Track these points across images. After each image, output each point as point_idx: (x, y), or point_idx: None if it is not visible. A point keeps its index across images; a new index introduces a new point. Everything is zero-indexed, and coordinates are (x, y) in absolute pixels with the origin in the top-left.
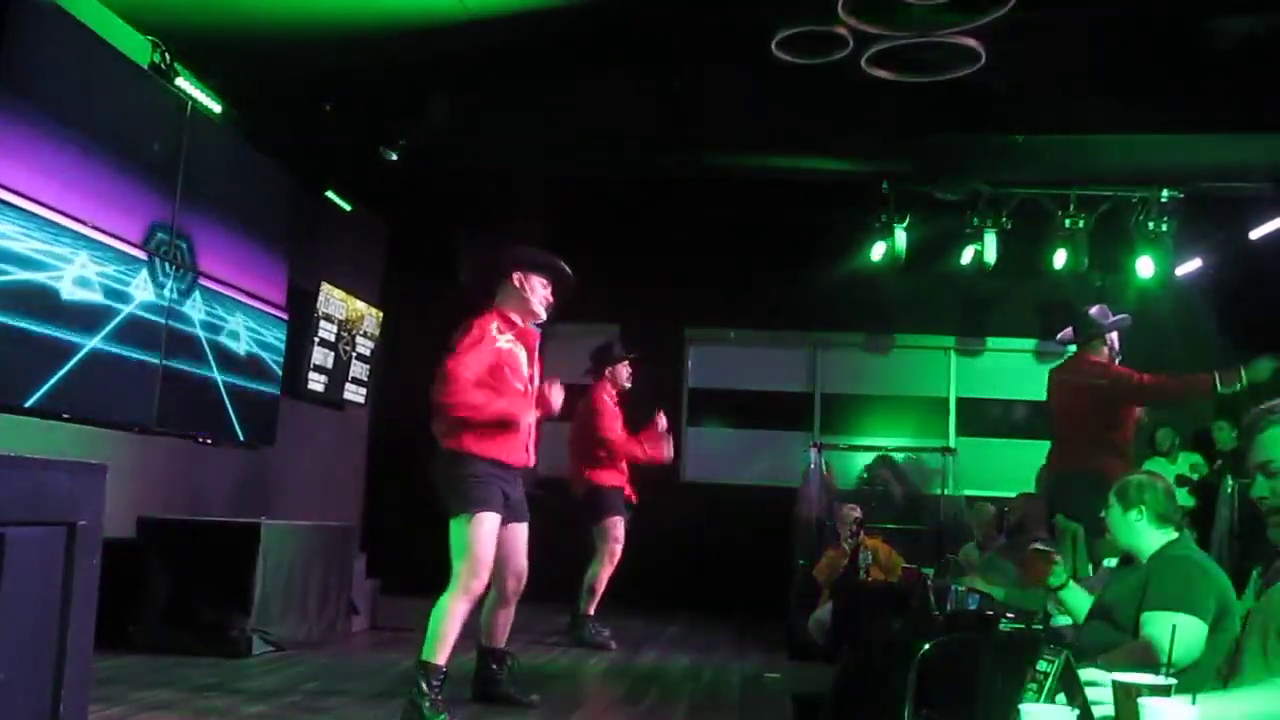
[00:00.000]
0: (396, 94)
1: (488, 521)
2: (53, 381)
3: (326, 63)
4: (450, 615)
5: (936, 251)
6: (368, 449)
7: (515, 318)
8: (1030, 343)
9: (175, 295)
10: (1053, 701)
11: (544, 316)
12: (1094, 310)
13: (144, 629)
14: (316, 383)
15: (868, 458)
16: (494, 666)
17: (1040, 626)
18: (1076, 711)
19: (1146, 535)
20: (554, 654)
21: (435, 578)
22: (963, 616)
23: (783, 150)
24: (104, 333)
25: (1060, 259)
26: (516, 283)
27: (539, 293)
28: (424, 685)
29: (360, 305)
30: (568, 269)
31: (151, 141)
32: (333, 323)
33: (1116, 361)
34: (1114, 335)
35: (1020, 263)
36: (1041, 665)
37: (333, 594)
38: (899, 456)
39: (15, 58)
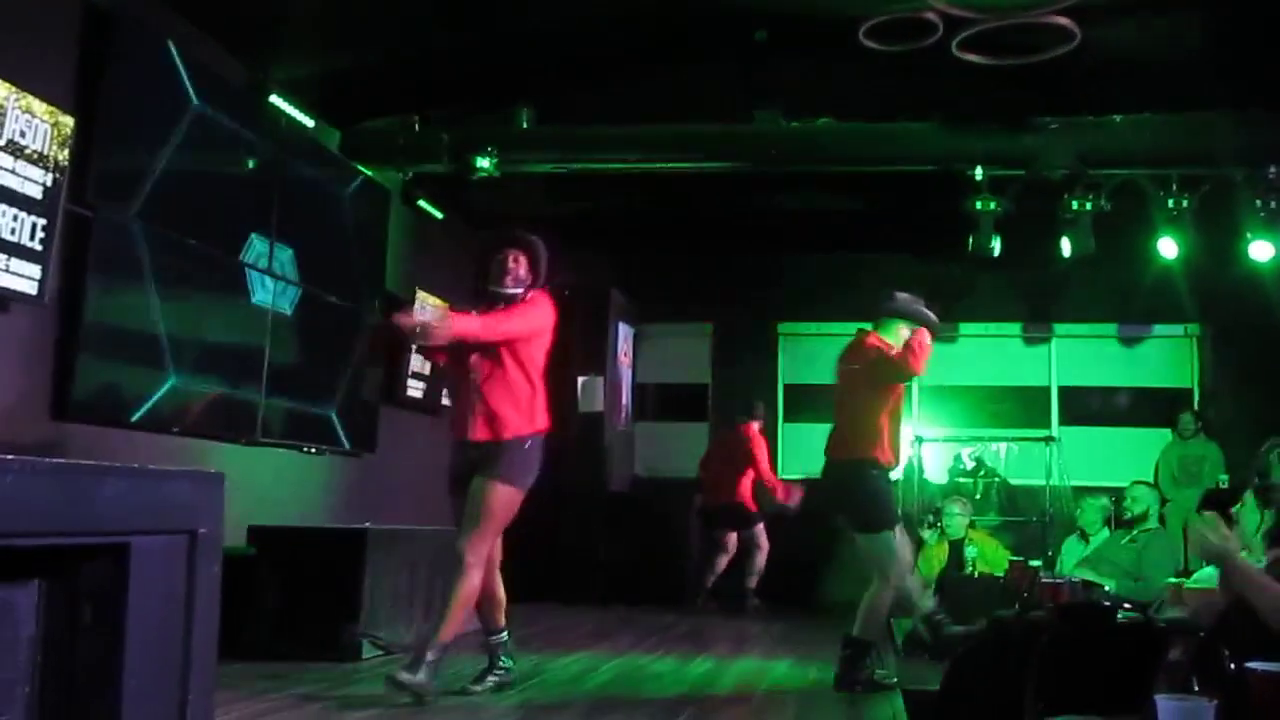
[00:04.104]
0: (484, 103)
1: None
2: (159, 395)
3: (416, 74)
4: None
5: (1034, 237)
6: None
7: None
8: (1134, 328)
9: (276, 307)
10: (1187, 691)
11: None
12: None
13: (255, 636)
14: (415, 389)
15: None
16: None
17: (1161, 616)
18: (1214, 702)
19: None
20: (658, 654)
21: (530, 578)
22: (1077, 609)
23: (873, 140)
24: (208, 345)
25: (1163, 242)
26: (899, 331)
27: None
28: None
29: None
30: (936, 321)
31: (248, 158)
32: None
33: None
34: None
35: (1122, 246)
36: (1172, 655)
37: (438, 597)
38: (990, 449)
39: (115, 85)
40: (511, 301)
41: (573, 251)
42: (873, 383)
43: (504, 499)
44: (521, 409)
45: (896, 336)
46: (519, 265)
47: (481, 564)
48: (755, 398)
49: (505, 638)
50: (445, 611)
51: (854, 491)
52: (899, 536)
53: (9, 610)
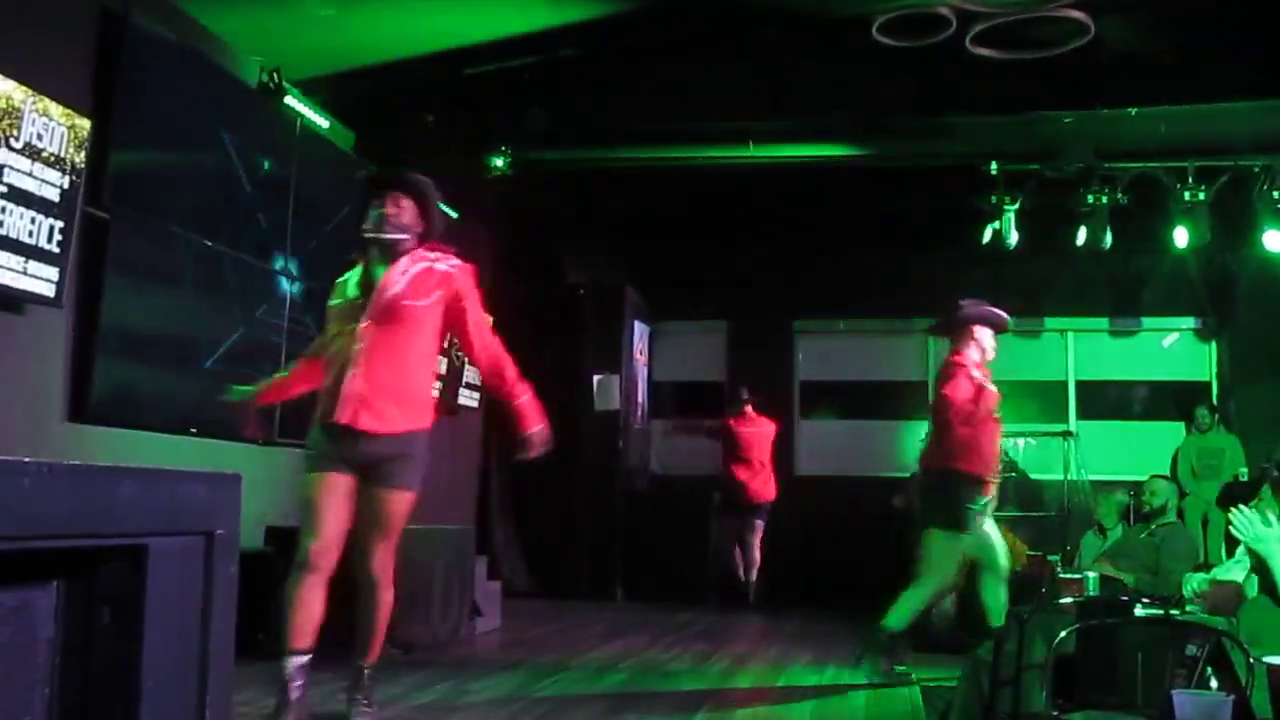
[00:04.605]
0: (497, 102)
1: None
2: (176, 396)
3: (429, 75)
4: None
5: (1049, 232)
6: (482, 453)
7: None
8: (1150, 321)
9: (292, 308)
10: (1204, 686)
11: (992, 356)
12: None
13: (273, 636)
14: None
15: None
16: None
17: (1178, 611)
18: (1231, 697)
19: None
20: (675, 652)
21: (548, 576)
22: (1096, 603)
23: (888, 136)
24: (224, 347)
25: (1180, 235)
26: (975, 334)
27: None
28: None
29: None
30: (1006, 319)
31: (263, 159)
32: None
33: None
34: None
35: (1138, 240)
36: (1189, 650)
37: (455, 597)
38: (1009, 443)
39: (131, 87)
40: (395, 248)
41: (588, 250)
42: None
43: (409, 508)
44: (418, 397)
45: (974, 342)
46: (401, 210)
47: (390, 576)
48: (771, 395)
49: (306, 662)
50: (369, 638)
51: (932, 493)
52: (957, 547)
53: (28, 612)
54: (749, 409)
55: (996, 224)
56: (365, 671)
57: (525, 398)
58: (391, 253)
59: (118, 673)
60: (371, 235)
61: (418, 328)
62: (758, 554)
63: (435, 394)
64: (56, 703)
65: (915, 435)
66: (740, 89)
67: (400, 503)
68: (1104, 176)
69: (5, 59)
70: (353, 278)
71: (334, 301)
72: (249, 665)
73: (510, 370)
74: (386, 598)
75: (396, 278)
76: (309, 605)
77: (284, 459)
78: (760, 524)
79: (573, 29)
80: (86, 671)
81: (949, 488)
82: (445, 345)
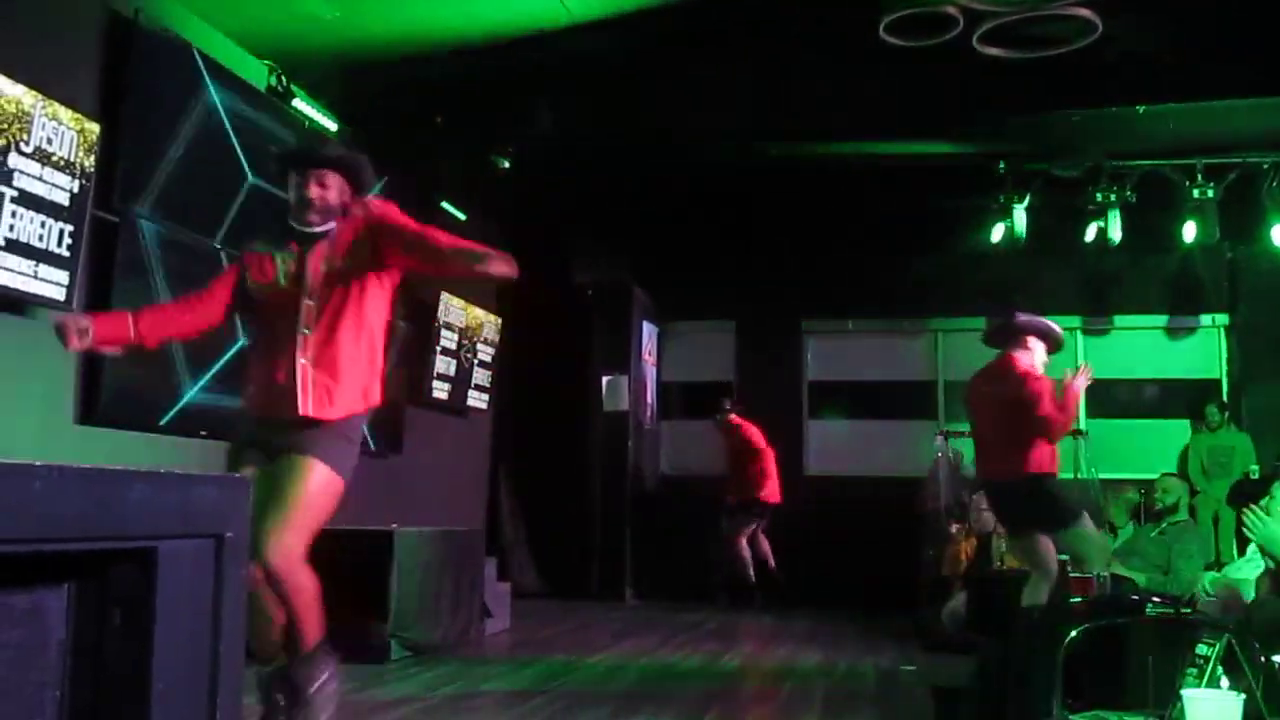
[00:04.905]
0: (504, 102)
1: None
2: (185, 400)
3: (436, 76)
4: None
5: (1058, 230)
6: (491, 454)
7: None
8: (1160, 319)
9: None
10: (1215, 685)
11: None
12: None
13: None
14: (440, 390)
15: None
16: None
17: (1189, 610)
18: (1243, 695)
19: None
20: (685, 652)
21: (558, 576)
22: (1107, 602)
23: (895, 136)
24: (234, 349)
25: (1189, 232)
26: (1029, 345)
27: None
28: None
29: (479, 312)
30: (1062, 335)
31: (271, 162)
32: (454, 331)
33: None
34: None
35: (1147, 238)
36: (1201, 649)
37: (465, 597)
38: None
39: (139, 91)
40: (319, 240)
41: (595, 250)
42: (1020, 411)
43: (324, 484)
44: (359, 379)
45: (1027, 351)
46: (328, 191)
47: (303, 560)
48: (779, 395)
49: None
50: (299, 630)
51: (1030, 505)
52: (1089, 523)
53: (40, 614)
54: (732, 418)
55: (1007, 222)
56: (298, 663)
57: (457, 243)
58: (315, 239)
59: (128, 675)
60: (295, 228)
61: (360, 296)
62: (766, 547)
63: (379, 374)
64: (68, 704)
65: (925, 435)
66: (747, 88)
67: (303, 470)
68: (1112, 174)
69: (15, 64)
70: (280, 264)
71: (255, 285)
72: (261, 665)
73: (456, 245)
74: (300, 583)
75: (323, 250)
76: (262, 618)
77: None
78: (759, 529)
79: (580, 29)
80: (97, 673)
81: (1050, 493)
82: (456, 348)
